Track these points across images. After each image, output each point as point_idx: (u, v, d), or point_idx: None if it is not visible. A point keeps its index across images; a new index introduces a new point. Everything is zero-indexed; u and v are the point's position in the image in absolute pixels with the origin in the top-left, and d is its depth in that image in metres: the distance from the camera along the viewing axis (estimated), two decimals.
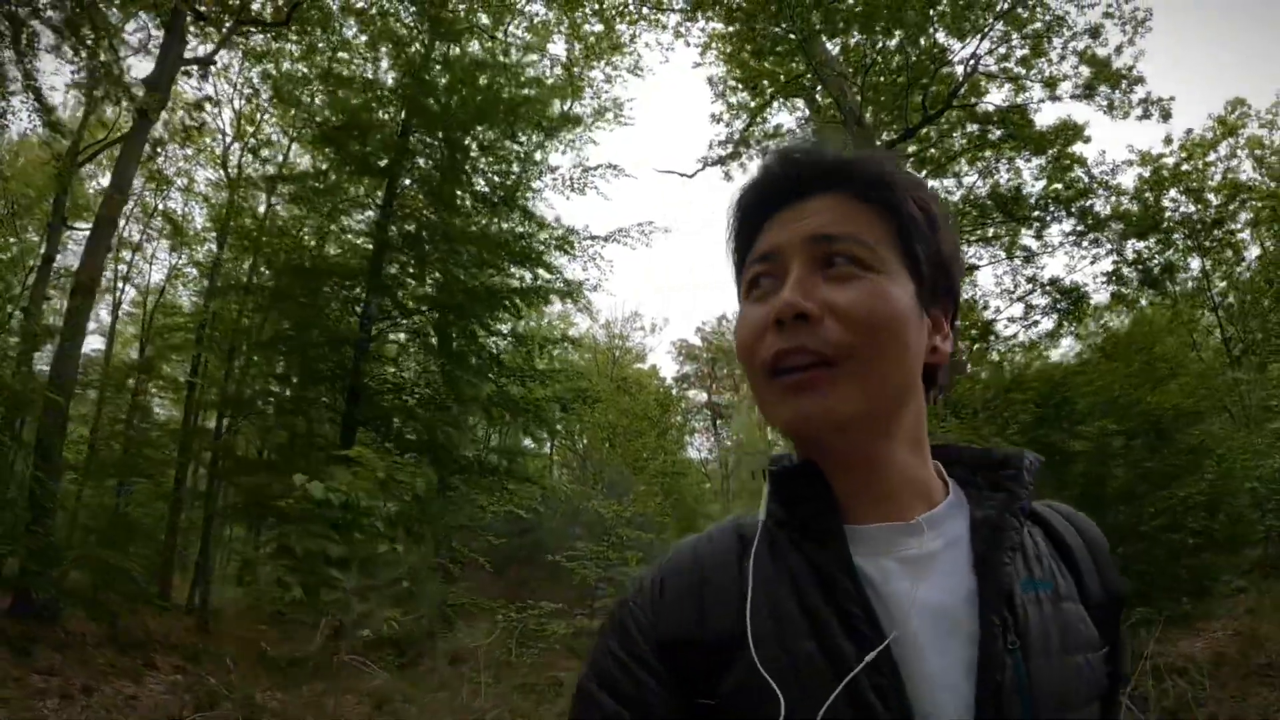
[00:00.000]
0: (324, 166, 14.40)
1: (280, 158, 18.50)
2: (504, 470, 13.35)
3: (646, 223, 14.89)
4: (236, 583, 13.57)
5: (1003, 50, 13.85)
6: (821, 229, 0.83)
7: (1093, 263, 13.96)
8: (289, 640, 12.62)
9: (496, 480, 13.05)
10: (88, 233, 19.86)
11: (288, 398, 12.87)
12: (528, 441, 19.63)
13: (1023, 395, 6.60)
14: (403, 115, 12.39)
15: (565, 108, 16.25)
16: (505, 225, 13.62)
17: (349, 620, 6.85)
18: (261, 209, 18.50)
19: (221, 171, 18.80)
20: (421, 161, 12.72)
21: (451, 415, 12.69)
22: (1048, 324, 14.48)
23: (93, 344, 21.00)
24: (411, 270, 12.88)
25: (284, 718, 7.74)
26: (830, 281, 0.82)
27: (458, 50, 13.26)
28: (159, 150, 14.32)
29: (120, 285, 22.64)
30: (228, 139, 18.71)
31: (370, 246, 13.14)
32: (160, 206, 20.01)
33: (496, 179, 13.47)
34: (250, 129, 18.74)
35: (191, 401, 17.03)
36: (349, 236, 14.32)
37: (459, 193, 12.72)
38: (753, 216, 0.91)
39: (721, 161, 15.56)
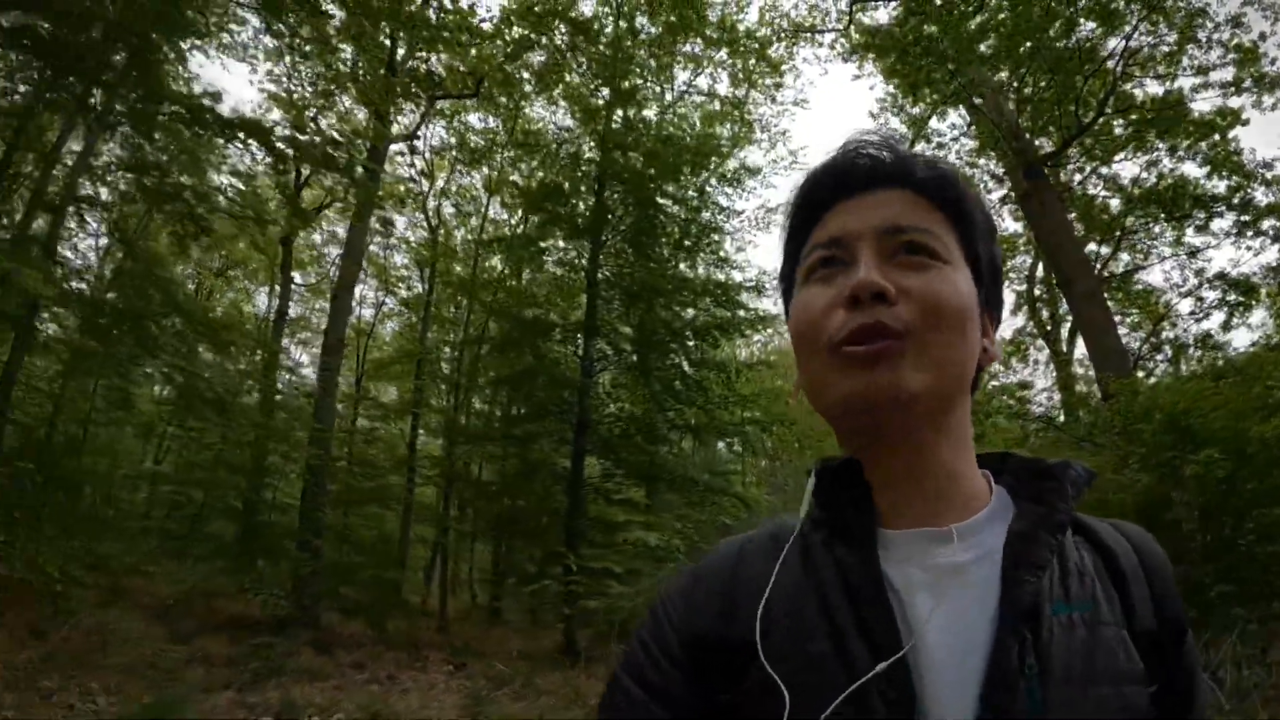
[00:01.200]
0: (531, 225, 17.24)
1: (471, 202, 21.50)
2: (712, 487, 15.48)
3: None
4: (524, 591, 15.94)
5: (1151, 41, 14.18)
6: (894, 220, 0.89)
7: (1256, 255, 14.77)
8: (522, 637, 15.36)
9: (706, 495, 15.22)
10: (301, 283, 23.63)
11: (519, 430, 15.57)
12: (721, 445, 21.87)
13: (1149, 426, 7.36)
14: (595, 178, 14.78)
15: (735, 137, 18.50)
16: (699, 268, 15.93)
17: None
18: (458, 239, 21.49)
19: (422, 215, 21.54)
20: (618, 217, 14.92)
21: (665, 438, 15.17)
22: (1219, 317, 15.19)
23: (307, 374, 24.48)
24: (619, 314, 15.15)
25: (558, 695, 10.27)
26: (901, 269, 0.87)
27: (635, 109, 15.57)
28: (388, 228, 17.21)
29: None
30: (425, 187, 21.29)
31: (570, 287, 15.83)
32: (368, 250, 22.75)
33: (688, 226, 15.53)
34: (443, 176, 21.59)
35: (414, 430, 19.70)
36: (560, 278, 17.06)
37: (655, 241, 14.98)
38: (817, 203, 0.96)
39: None
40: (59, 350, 12.68)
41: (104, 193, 13.88)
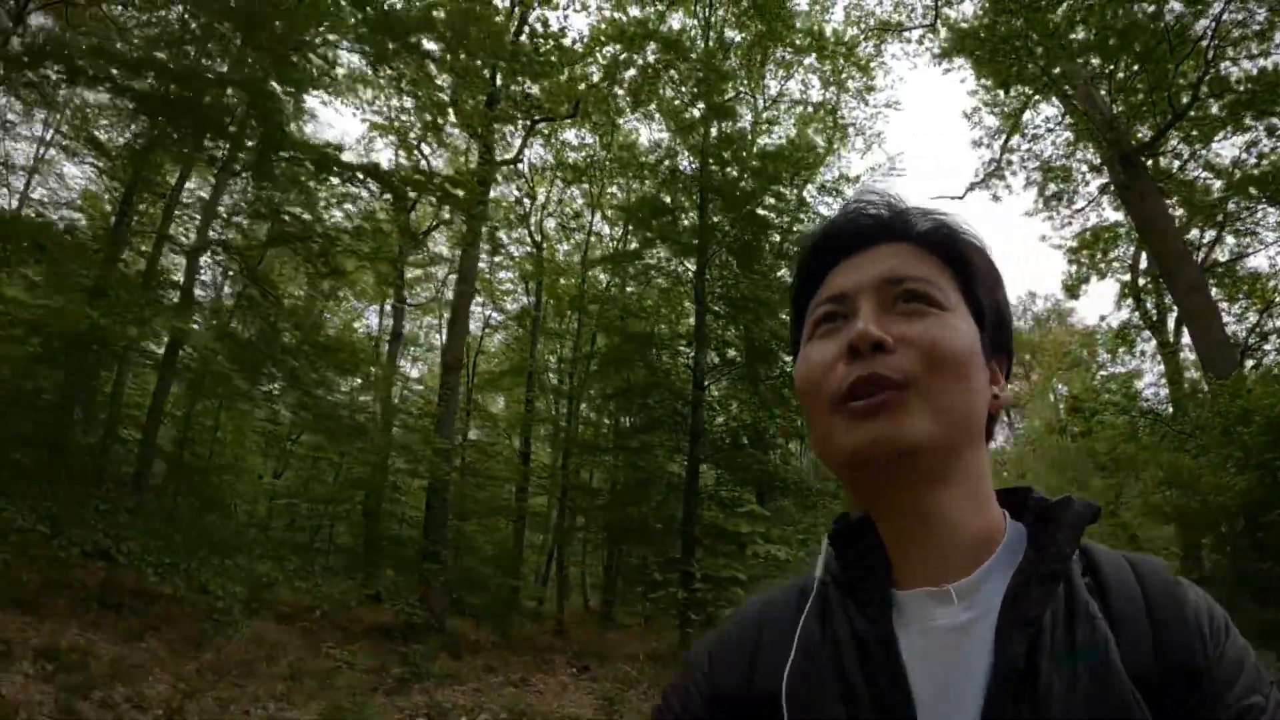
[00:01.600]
0: (635, 236, 18.00)
1: (575, 219, 22.33)
2: (825, 491, 15.78)
3: None
4: (643, 598, 16.66)
5: (1241, 18, 13.79)
6: (892, 271, 0.91)
7: None
8: (638, 640, 16.04)
9: (819, 499, 15.54)
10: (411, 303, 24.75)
11: (635, 442, 16.29)
12: None
13: (1248, 429, 7.34)
14: (697, 193, 15.41)
15: (829, 140, 18.95)
16: None
17: None
18: (561, 253, 22.30)
19: (525, 231, 22.19)
20: (721, 229, 15.45)
21: (774, 443, 15.70)
22: None
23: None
24: (726, 324, 15.73)
25: None
26: (901, 318, 0.88)
27: (730, 123, 16.15)
28: (497, 249, 18.12)
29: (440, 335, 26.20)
30: (527, 204, 21.97)
31: (676, 299, 16.51)
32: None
33: (790, 235, 15.89)
34: (543, 191, 22.24)
35: (527, 441, 20.58)
36: (666, 290, 17.81)
37: (759, 252, 15.46)
38: (820, 263, 0.99)
39: (987, 180, 17.28)
40: (202, 384, 13.77)
41: (223, 233, 14.87)
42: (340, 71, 14.60)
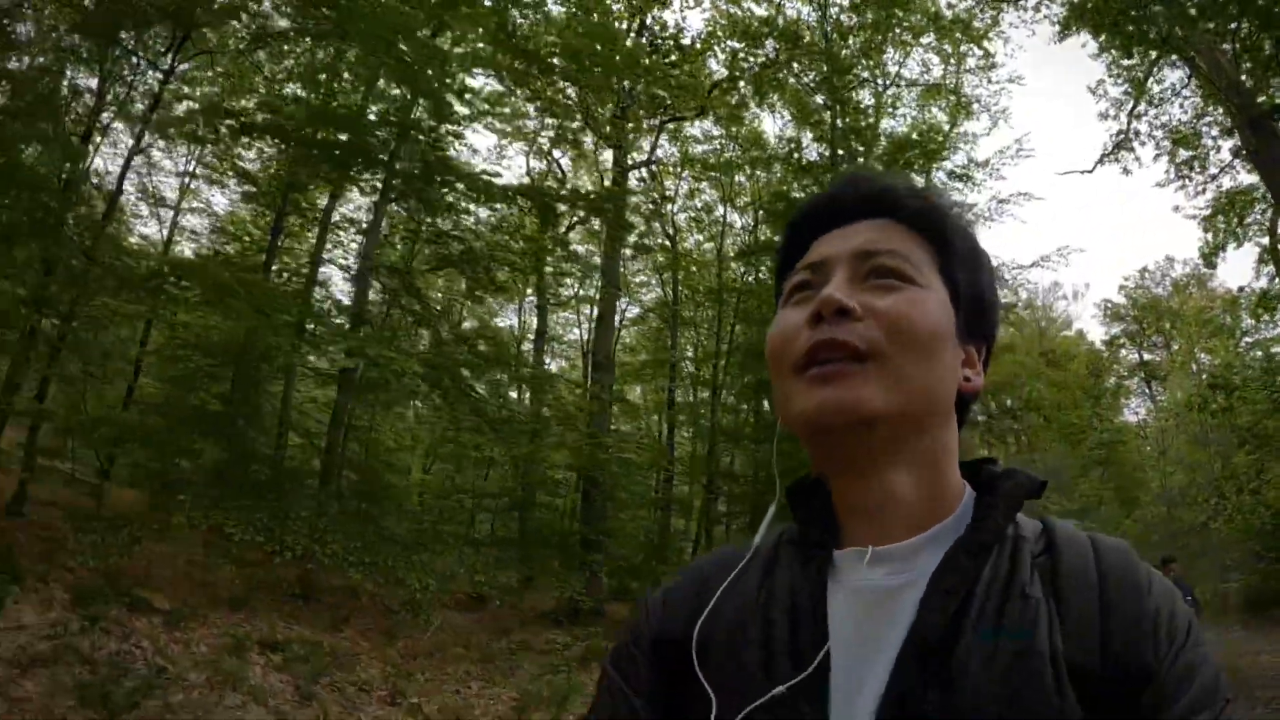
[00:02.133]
0: (768, 225, 18.75)
1: (707, 212, 23.20)
2: None
3: (1064, 247, 17.64)
4: None
5: None
6: (868, 244, 0.91)
7: None
8: None
9: None
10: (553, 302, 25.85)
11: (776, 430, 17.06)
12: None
13: None
14: (829, 185, 16.07)
15: (952, 113, 19.30)
16: None
17: None
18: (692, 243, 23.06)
19: (658, 224, 22.59)
20: None
21: None
22: None
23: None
24: None
25: None
26: (872, 291, 0.88)
27: (855, 116, 16.76)
28: (641, 251, 19.09)
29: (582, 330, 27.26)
30: (659, 198, 22.45)
31: None
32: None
33: None
34: (671, 184, 22.95)
35: (671, 431, 21.74)
36: None
37: None
38: (802, 235, 0.99)
39: (1116, 152, 17.33)
40: (385, 396, 15.10)
41: (382, 254, 16.01)
42: (478, 100, 15.61)
